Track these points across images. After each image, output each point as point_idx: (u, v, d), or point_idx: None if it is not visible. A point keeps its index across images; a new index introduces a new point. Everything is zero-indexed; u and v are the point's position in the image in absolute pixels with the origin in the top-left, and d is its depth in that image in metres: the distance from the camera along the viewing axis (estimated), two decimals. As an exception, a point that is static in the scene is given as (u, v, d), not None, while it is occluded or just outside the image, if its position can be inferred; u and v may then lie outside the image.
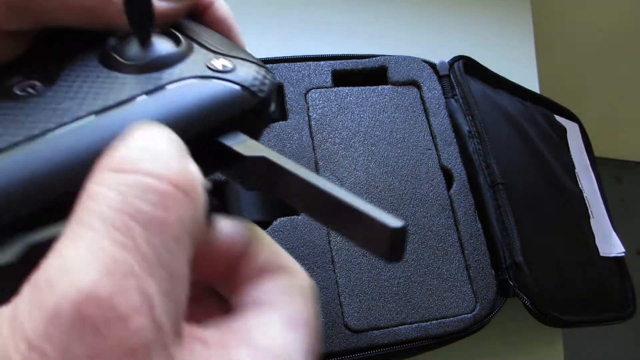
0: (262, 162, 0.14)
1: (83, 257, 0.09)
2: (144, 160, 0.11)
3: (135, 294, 0.09)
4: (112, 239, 0.10)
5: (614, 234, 0.52)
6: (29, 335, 0.09)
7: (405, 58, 0.44)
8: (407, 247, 0.37)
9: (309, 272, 0.35)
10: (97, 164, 0.11)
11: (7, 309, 0.10)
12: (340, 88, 0.42)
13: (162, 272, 0.10)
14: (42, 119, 0.13)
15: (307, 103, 0.40)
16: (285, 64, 0.41)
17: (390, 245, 0.12)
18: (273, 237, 0.16)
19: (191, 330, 0.11)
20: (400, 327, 0.35)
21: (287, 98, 0.40)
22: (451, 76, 0.45)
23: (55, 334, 0.09)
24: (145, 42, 0.16)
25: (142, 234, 0.10)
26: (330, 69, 0.42)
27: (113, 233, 0.10)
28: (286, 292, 0.13)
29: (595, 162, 0.55)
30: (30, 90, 0.14)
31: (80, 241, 0.10)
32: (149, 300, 0.10)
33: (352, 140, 0.40)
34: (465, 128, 0.43)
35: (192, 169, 0.11)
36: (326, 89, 0.41)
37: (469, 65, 0.46)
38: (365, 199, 0.38)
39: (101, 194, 0.10)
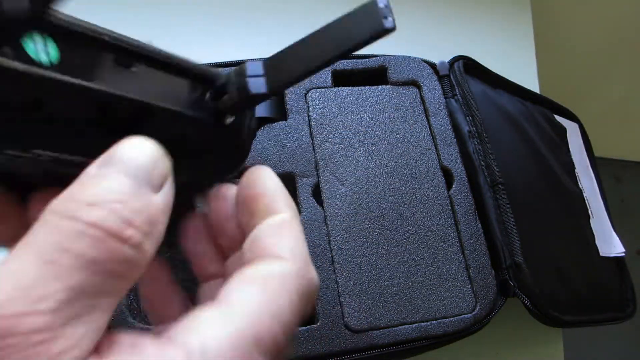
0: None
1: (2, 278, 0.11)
2: (88, 208, 0.12)
3: (43, 317, 0.11)
4: (38, 267, 0.11)
5: (614, 234, 0.52)
6: None
7: (405, 58, 0.44)
8: (407, 247, 0.37)
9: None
10: (51, 203, 0.12)
11: None
12: (340, 88, 0.42)
13: (84, 300, 0.11)
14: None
15: (307, 103, 0.40)
16: (285, 64, 0.41)
17: None
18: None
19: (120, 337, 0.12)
20: (400, 327, 0.35)
21: (287, 98, 0.40)
22: (451, 76, 0.45)
23: None
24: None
25: (69, 267, 0.11)
26: (330, 68, 0.42)
27: (41, 264, 0.11)
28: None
29: (595, 162, 0.55)
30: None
31: (9, 265, 0.11)
32: (61, 325, 0.11)
33: (352, 140, 0.40)
34: (465, 128, 0.43)
35: (141, 217, 0.13)
36: (326, 89, 0.41)
37: (469, 65, 0.46)
38: (365, 199, 0.38)
39: (41, 233, 0.12)
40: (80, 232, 0.12)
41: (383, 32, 0.16)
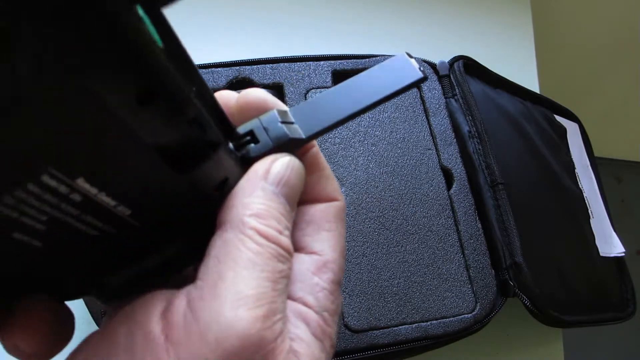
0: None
1: (252, 296, 0.14)
2: (277, 236, 0.15)
3: (279, 324, 0.14)
4: (270, 288, 0.14)
5: (614, 234, 0.52)
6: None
7: (405, 58, 0.44)
8: (407, 247, 0.37)
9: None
10: (239, 213, 0.15)
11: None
12: (340, 88, 0.42)
13: (285, 305, 0.15)
14: None
15: (307, 103, 0.40)
16: (285, 64, 0.41)
17: None
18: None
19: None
20: (400, 327, 0.35)
21: (287, 98, 0.40)
22: (451, 76, 0.45)
23: None
24: None
25: (281, 281, 0.15)
26: (330, 69, 0.42)
27: (270, 285, 0.14)
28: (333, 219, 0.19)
29: (595, 162, 0.55)
30: None
31: (249, 279, 0.14)
32: (285, 326, 0.15)
33: (352, 140, 0.40)
34: (465, 128, 0.43)
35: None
36: (326, 89, 0.41)
37: (469, 65, 0.46)
38: (365, 199, 0.38)
39: (256, 252, 0.15)
40: (281, 255, 0.15)
41: (419, 81, 0.17)
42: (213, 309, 0.13)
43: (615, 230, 0.52)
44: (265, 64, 0.40)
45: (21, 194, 0.10)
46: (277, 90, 0.40)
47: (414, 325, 0.35)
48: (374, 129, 0.41)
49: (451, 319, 0.36)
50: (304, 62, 0.41)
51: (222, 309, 0.13)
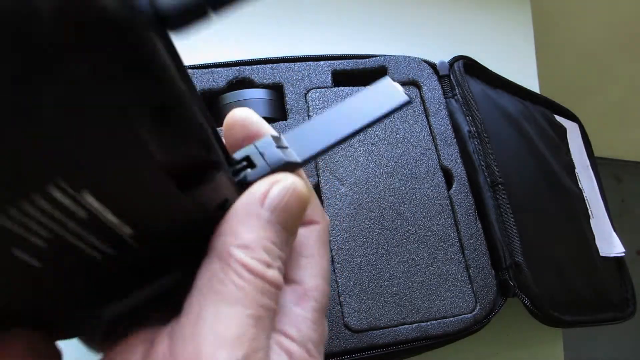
0: None
1: (231, 337, 0.13)
2: (263, 271, 0.15)
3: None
4: (251, 324, 0.14)
5: (614, 234, 0.52)
6: None
7: (405, 58, 0.44)
8: (407, 247, 0.38)
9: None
10: (225, 243, 0.15)
11: None
12: (340, 88, 0.41)
13: (268, 341, 0.15)
14: None
15: (307, 103, 0.40)
16: (285, 64, 0.41)
17: None
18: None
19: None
20: (400, 327, 0.35)
21: (287, 98, 0.40)
22: (451, 76, 0.45)
23: None
24: None
25: (265, 316, 0.14)
26: (330, 69, 0.42)
27: (252, 321, 0.14)
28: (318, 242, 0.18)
29: (595, 162, 0.55)
30: None
31: (230, 318, 0.14)
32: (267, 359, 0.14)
33: (352, 140, 0.40)
34: (465, 128, 0.43)
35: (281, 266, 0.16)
36: (326, 89, 0.41)
37: (469, 65, 0.46)
38: (365, 199, 0.38)
39: (241, 286, 0.14)
40: (267, 290, 0.15)
41: (405, 104, 0.18)
42: (193, 351, 0.13)
43: (615, 230, 0.52)
44: (265, 64, 0.40)
45: (26, 205, 0.10)
46: (277, 90, 0.40)
47: (414, 325, 0.35)
48: (374, 129, 0.41)
49: (451, 319, 0.36)
50: (304, 62, 0.41)
51: (201, 350, 0.13)
